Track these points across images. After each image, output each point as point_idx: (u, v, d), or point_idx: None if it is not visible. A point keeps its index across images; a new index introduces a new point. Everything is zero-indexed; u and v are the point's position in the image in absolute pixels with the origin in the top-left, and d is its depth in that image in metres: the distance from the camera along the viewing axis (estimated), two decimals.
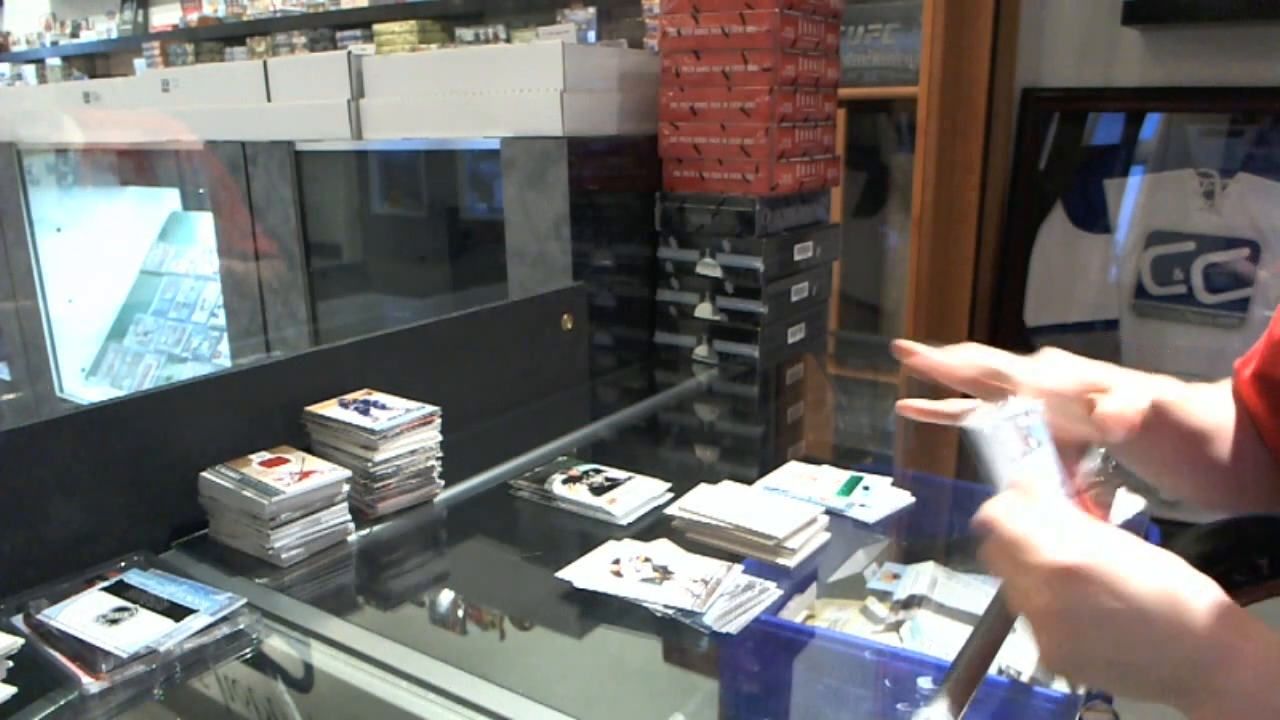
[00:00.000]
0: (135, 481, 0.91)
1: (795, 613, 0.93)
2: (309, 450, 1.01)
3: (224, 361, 2.39)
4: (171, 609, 0.78)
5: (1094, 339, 2.33)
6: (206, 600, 0.79)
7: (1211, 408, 0.79)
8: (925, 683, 0.73)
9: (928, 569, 0.99)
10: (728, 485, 1.03)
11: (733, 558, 0.88)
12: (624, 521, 0.98)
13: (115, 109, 2.19)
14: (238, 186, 1.92)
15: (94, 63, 5.84)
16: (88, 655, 0.73)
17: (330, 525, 0.94)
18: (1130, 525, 1.02)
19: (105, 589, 0.81)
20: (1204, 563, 0.93)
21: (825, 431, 1.46)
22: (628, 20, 3.42)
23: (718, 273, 1.57)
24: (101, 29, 5.64)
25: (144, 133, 2.09)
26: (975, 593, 0.95)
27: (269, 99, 1.86)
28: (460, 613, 0.89)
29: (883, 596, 0.98)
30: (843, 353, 1.87)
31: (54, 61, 6.00)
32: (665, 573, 0.84)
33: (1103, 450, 0.69)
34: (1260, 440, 0.81)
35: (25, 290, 2.53)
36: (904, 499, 1.03)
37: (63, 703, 0.70)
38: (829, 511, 0.98)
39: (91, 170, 2.57)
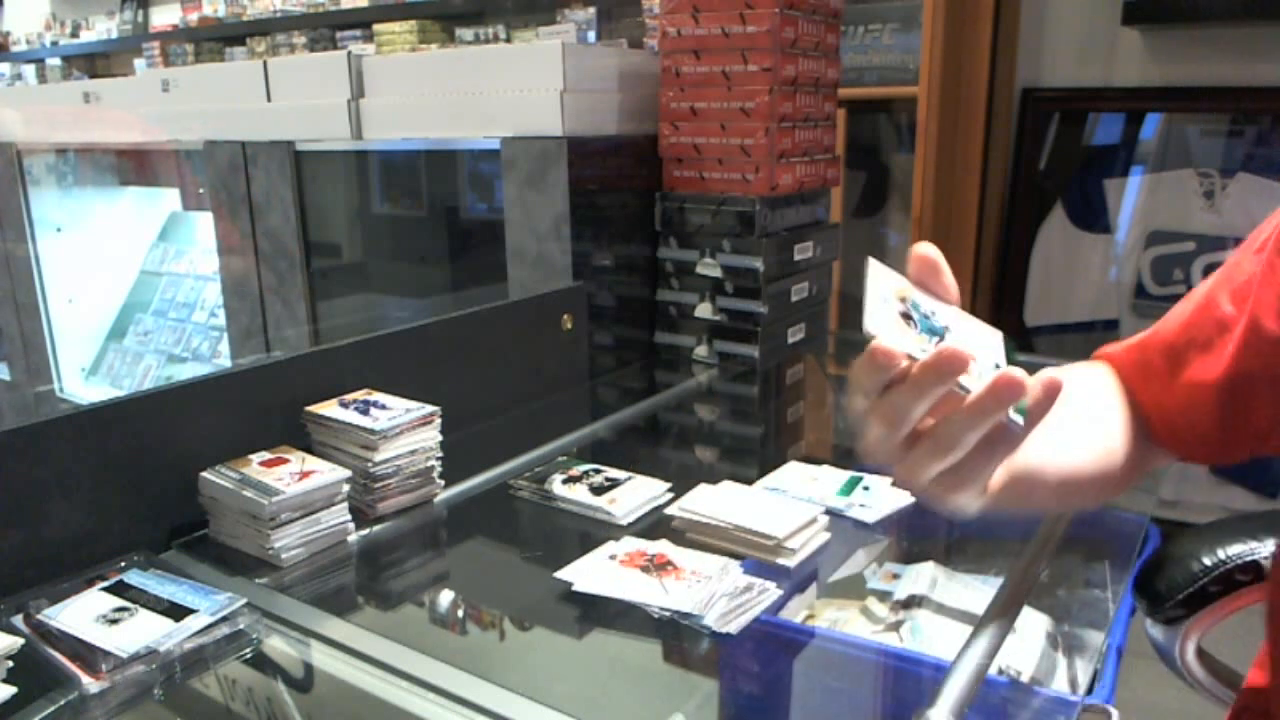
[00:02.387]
0: (135, 481, 0.91)
1: (795, 613, 0.93)
2: (309, 450, 1.01)
3: (224, 361, 2.39)
4: (171, 609, 0.78)
5: (1094, 339, 2.33)
6: (206, 600, 0.79)
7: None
8: (925, 683, 0.73)
9: (928, 569, 1.00)
10: (728, 485, 1.03)
11: (733, 558, 0.88)
12: (624, 521, 0.98)
13: (114, 109, 2.19)
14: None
15: (94, 63, 5.84)
16: (88, 655, 0.73)
17: (330, 525, 0.94)
18: (1130, 524, 1.02)
19: (105, 589, 0.81)
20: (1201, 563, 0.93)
21: (825, 431, 1.46)
22: (628, 20, 3.42)
23: (718, 273, 1.57)
24: (101, 29, 5.64)
25: (128, 133, 2.09)
26: (975, 593, 0.95)
27: (269, 99, 1.86)
28: (460, 613, 0.89)
29: (883, 596, 0.98)
30: (843, 353, 1.87)
31: (54, 61, 6.00)
32: (665, 573, 0.84)
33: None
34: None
35: (25, 290, 2.53)
36: (904, 499, 1.03)
37: (63, 703, 0.70)
38: (829, 511, 0.98)
39: (91, 170, 2.57)
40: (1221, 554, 0.95)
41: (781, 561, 0.89)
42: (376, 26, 3.92)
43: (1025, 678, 0.82)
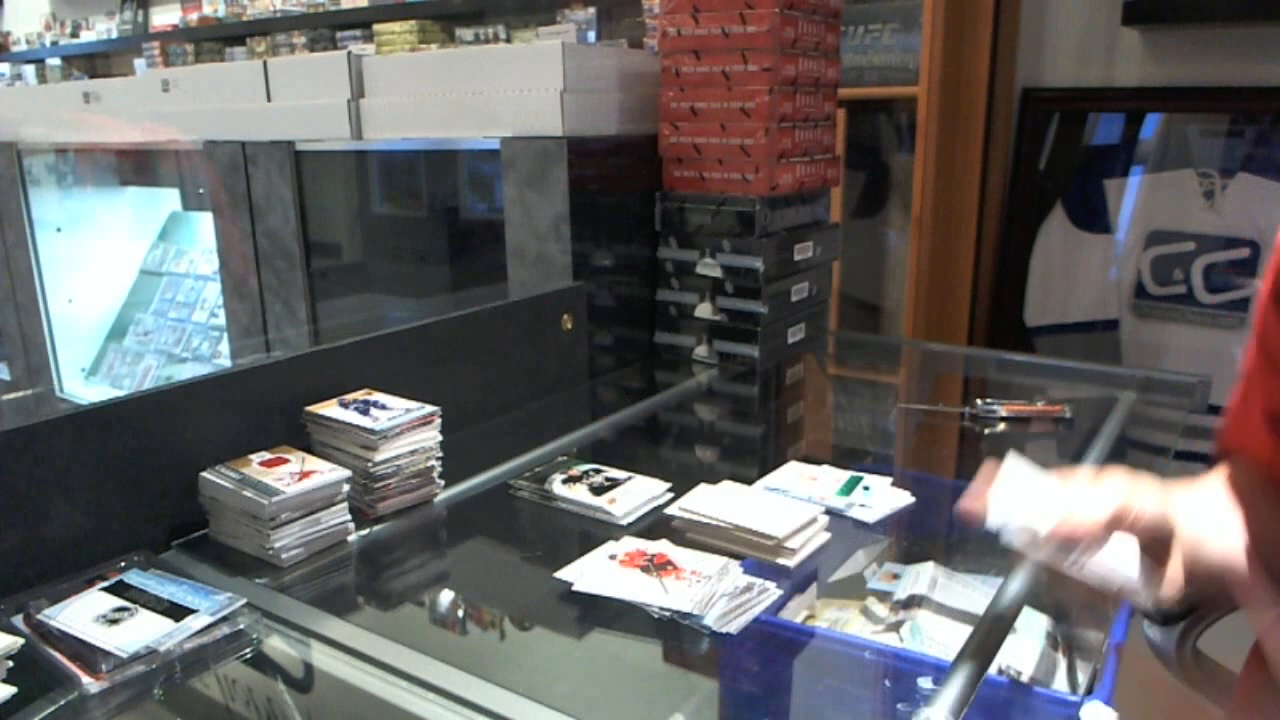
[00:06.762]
0: (135, 481, 0.91)
1: (795, 613, 0.93)
2: (309, 450, 1.01)
3: (224, 361, 2.39)
4: (171, 609, 0.78)
5: (1094, 339, 2.33)
6: (206, 600, 0.79)
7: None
8: (925, 683, 0.73)
9: (928, 569, 1.00)
10: (728, 485, 1.03)
11: (733, 558, 0.88)
12: (624, 521, 0.98)
13: (115, 109, 2.19)
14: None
15: (94, 63, 5.84)
16: (88, 655, 0.73)
17: (330, 525, 0.94)
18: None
19: (105, 589, 0.81)
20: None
21: (825, 431, 1.46)
22: (628, 20, 3.42)
23: (718, 273, 1.57)
24: (101, 29, 5.64)
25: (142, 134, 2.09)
26: (975, 593, 0.96)
27: (269, 99, 1.86)
28: (460, 613, 0.89)
29: (883, 596, 0.98)
30: (843, 353, 1.87)
31: (54, 61, 6.00)
32: (665, 573, 0.84)
33: None
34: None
35: (25, 290, 2.53)
36: (904, 499, 1.03)
37: (63, 703, 0.70)
38: (829, 511, 0.98)
39: (91, 170, 2.57)
40: None
41: (781, 561, 0.89)
42: (376, 26, 3.91)
43: (1025, 678, 0.82)
